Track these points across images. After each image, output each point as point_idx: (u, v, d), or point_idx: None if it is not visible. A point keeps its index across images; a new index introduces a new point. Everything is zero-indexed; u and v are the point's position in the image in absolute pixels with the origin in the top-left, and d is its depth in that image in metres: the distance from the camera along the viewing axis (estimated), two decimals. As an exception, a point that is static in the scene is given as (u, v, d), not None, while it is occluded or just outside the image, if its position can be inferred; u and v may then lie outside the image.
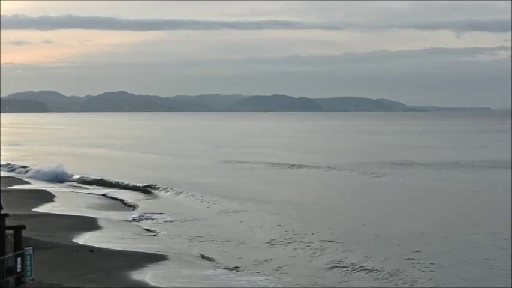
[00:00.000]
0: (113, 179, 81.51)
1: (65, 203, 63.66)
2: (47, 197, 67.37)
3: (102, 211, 58.58)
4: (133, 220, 53.45)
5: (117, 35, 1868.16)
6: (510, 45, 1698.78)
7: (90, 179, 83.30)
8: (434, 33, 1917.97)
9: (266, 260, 38.75)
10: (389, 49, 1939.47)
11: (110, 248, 42.14)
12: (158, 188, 73.23)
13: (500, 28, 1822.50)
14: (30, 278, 27.86)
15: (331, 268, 36.77)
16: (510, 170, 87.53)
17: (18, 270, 27.01)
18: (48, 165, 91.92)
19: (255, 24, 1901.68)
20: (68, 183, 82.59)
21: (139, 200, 66.44)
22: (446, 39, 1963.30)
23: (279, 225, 49.65)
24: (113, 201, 65.71)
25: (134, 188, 74.15)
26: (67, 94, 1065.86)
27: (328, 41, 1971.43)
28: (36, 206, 60.74)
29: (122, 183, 77.87)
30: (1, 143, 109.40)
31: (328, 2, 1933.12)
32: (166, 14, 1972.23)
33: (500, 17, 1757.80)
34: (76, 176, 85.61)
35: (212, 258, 39.29)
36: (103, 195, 70.00)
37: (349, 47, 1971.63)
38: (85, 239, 45.45)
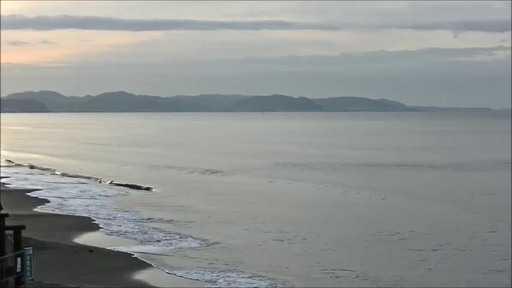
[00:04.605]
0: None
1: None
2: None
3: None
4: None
5: (115, 35, 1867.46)
6: (508, 46, 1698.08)
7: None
8: (432, 33, 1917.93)
9: (262, 261, 38.84)
10: (388, 49, 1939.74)
11: (109, 248, 42.16)
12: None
13: (497, 28, 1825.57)
14: (30, 278, 27.87)
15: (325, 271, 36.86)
16: (510, 170, 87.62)
17: (18, 270, 27.02)
18: None
19: (253, 24, 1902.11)
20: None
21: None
22: (444, 39, 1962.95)
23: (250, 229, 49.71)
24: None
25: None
26: (67, 94, 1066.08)
27: (326, 41, 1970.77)
28: (36, 206, 60.78)
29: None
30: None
31: (326, 2, 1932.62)
32: (164, 14, 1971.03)
33: (498, 17, 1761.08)
34: None
35: (209, 258, 39.32)
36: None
37: (348, 47, 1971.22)
38: (84, 239, 45.49)
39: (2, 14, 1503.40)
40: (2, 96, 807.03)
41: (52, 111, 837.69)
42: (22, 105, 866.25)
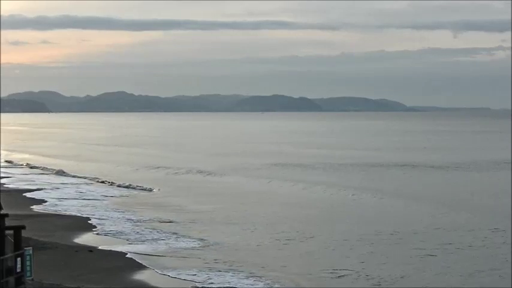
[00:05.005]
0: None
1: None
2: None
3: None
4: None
5: (115, 35, 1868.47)
6: (508, 46, 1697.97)
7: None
8: (431, 33, 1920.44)
9: (261, 262, 38.85)
10: (387, 49, 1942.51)
11: (109, 248, 42.17)
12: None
13: (497, 28, 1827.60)
14: (29, 278, 27.88)
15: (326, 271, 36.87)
16: (510, 170, 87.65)
17: (18, 270, 27.03)
18: None
19: (252, 24, 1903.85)
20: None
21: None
22: (443, 39, 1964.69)
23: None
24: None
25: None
26: (67, 94, 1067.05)
27: (326, 41, 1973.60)
28: (35, 206, 60.76)
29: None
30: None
31: (326, 2, 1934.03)
32: (163, 14, 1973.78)
33: (498, 17, 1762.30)
34: None
35: (208, 259, 39.33)
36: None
37: (347, 47, 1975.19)
38: (84, 239, 45.49)
39: (2, 14, 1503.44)
40: (2, 96, 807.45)
41: (52, 111, 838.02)
42: (22, 105, 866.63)
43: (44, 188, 75.12)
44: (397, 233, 46.54)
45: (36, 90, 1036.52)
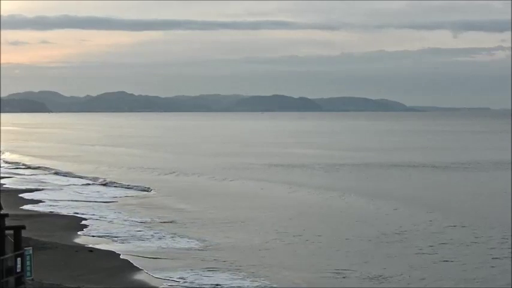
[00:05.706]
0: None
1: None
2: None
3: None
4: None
5: (115, 35, 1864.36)
6: (507, 46, 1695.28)
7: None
8: (431, 33, 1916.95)
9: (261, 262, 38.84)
10: (387, 49, 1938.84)
11: (108, 248, 42.15)
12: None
13: (497, 28, 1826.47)
14: (30, 278, 27.87)
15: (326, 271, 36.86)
16: (510, 170, 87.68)
17: (18, 270, 27.02)
18: None
19: (252, 24, 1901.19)
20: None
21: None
22: (443, 39, 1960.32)
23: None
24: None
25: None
26: (66, 94, 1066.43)
27: (326, 41, 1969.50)
28: (34, 206, 60.74)
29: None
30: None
31: (325, 2, 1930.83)
32: (163, 14, 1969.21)
33: (497, 17, 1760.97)
34: None
35: (207, 259, 39.32)
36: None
37: (347, 47, 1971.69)
38: (84, 239, 45.48)
39: (1, 14, 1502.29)
40: (1, 96, 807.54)
41: (52, 111, 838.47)
42: (22, 105, 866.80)
43: (43, 188, 75.10)
44: (399, 233, 46.51)
45: (36, 90, 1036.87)
